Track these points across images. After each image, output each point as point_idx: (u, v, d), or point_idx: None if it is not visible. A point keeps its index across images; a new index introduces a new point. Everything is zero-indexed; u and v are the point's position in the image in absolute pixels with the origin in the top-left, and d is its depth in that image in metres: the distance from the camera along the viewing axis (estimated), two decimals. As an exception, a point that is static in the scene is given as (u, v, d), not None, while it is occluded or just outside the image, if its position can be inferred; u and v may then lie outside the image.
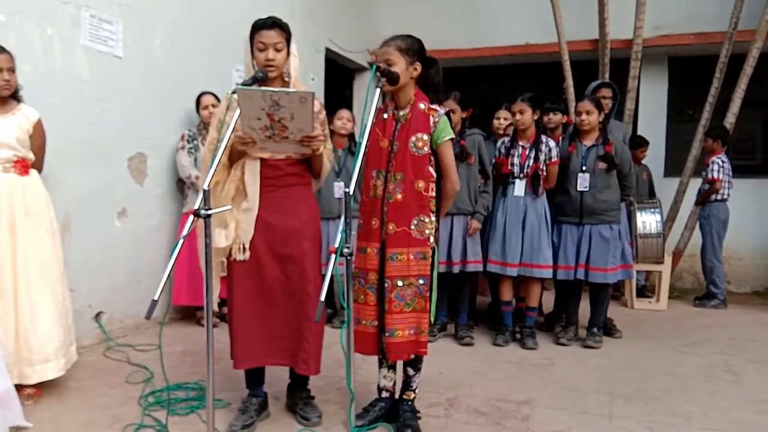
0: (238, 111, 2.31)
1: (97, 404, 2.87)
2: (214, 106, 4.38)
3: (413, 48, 2.51)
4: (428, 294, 2.54)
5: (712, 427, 2.74)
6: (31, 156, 2.96)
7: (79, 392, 3.02)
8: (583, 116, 4.05)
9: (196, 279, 4.27)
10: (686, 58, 6.79)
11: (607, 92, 4.53)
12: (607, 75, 6.21)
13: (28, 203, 2.89)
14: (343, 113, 4.61)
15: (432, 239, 2.55)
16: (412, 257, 2.50)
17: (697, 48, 6.46)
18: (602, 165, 4.03)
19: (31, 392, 2.83)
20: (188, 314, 4.55)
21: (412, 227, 2.50)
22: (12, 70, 2.87)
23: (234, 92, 2.29)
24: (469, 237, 4.07)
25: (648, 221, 5.24)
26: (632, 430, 2.69)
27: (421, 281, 2.51)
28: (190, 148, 4.39)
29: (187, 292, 4.33)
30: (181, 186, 4.50)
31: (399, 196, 2.50)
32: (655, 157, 6.45)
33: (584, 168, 4.05)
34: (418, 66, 2.53)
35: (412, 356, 2.58)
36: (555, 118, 4.61)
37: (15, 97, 2.96)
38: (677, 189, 6.25)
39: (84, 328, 3.73)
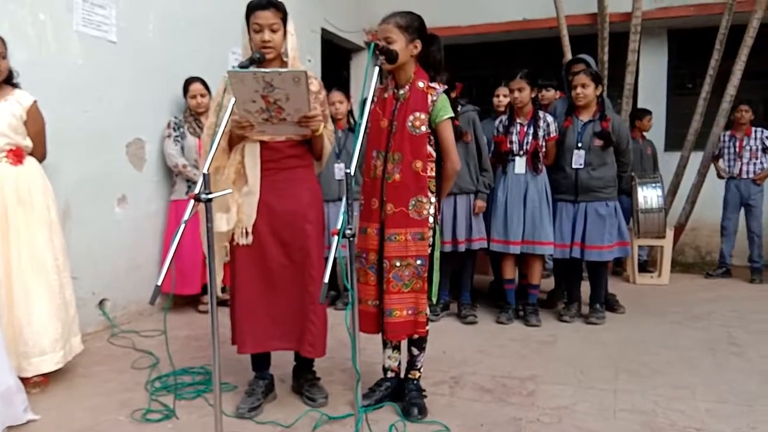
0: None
1: (104, 390, 2.88)
2: (202, 95, 4.29)
3: (413, 25, 2.48)
4: (426, 275, 2.54)
5: (717, 399, 2.75)
6: (27, 143, 2.90)
7: (85, 379, 3.03)
8: (578, 90, 3.95)
9: (183, 266, 4.09)
10: (686, 31, 6.71)
11: (578, 66, 4.22)
12: (606, 49, 6.15)
13: (21, 193, 2.82)
14: (335, 96, 4.24)
15: (431, 220, 2.53)
16: (410, 238, 2.49)
17: (697, 20, 6.38)
18: (598, 142, 3.97)
19: (38, 380, 2.83)
20: (191, 300, 4.55)
21: (410, 208, 2.49)
22: (2, 55, 2.80)
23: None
24: (474, 216, 4.06)
25: (649, 196, 5.20)
26: (637, 404, 2.70)
27: (418, 262, 2.51)
28: (177, 136, 4.28)
29: (178, 280, 4.10)
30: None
31: (397, 177, 2.49)
32: (655, 132, 6.38)
33: (579, 145, 3.99)
34: (418, 44, 2.50)
35: (415, 336, 2.59)
36: (548, 94, 4.53)
37: (10, 83, 2.90)
38: (678, 163, 6.22)
39: (88, 315, 3.74)
